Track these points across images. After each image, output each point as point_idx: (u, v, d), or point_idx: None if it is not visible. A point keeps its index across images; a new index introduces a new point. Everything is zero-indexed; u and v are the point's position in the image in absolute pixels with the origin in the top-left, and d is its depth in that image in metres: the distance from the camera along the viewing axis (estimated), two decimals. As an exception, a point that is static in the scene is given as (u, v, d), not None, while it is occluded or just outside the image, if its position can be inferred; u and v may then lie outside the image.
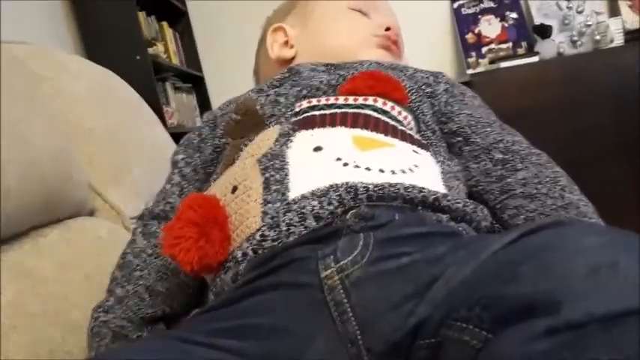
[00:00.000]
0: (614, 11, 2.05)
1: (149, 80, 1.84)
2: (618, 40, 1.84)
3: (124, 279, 0.56)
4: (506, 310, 0.28)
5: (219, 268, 0.45)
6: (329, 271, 0.37)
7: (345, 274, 0.37)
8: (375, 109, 0.53)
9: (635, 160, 1.66)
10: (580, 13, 1.97)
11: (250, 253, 0.43)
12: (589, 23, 1.88)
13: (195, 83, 2.62)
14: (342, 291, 0.36)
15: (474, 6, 2.09)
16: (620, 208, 1.55)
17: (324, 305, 0.36)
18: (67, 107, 0.89)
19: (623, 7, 2.04)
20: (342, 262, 0.37)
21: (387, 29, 0.69)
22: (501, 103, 1.64)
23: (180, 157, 0.64)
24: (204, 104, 2.63)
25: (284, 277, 0.39)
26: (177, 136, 1.09)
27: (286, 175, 0.46)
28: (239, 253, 0.44)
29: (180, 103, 2.43)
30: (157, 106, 1.78)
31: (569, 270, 0.27)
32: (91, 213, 0.87)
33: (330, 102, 0.55)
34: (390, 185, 0.43)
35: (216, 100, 2.62)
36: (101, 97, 1.00)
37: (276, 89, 0.61)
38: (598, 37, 1.83)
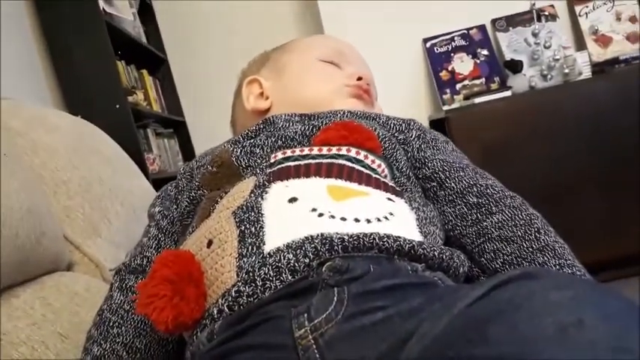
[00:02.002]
0: (580, 45, 2.13)
1: (129, 128, 1.85)
2: (586, 72, 1.90)
3: (101, 337, 0.54)
4: None
5: (196, 326, 0.44)
6: (302, 330, 0.37)
7: (319, 333, 0.36)
8: (349, 159, 0.54)
9: (607, 189, 1.69)
10: (548, 48, 2.04)
11: (226, 309, 0.42)
12: (557, 57, 1.94)
13: (176, 128, 2.63)
14: (316, 351, 0.36)
15: (445, 44, 2.15)
16: (591, 235, 1.58)
17: None
18: (42, 161, 0.88)
19: (589, 41, 2.12)
20: (315, 321, 0.37)
21: (359, 79, 0.71)
22: (477, 136, 1.71)
23: (157, 209, 0.63)
24: (186, 149, 2.63)
25: (257, 338, 0.38)
26: (159, 182, 1.08)
27: (261, 227, 0.46)
28: (215, 310, 0.43)
29: (162, 149, 2.43)
30: (137, 154, 1.77)
31: (536, 331, 0.27)
32: (69, 267, 0.85)
33: (304, 153, 0.55)
34: (365, 235, 0.43)
35: (199, 144, 2.63)
36: (77, 149, 0.99)
37: (252, 140, 0.61)
38: (567, 71, 1.89)
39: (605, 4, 2.13)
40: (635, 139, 1.68)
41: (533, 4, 2.04)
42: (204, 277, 0.45)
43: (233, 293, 0.42)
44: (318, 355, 0.36)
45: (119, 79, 1.87)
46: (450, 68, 2.13)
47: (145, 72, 2.38)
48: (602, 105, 1.74)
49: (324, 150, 0.55)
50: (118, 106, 1.83)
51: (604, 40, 2.13)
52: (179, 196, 0.63)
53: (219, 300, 0.43)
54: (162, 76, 2.59)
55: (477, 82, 2.11)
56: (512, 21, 2.14)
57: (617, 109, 1.72)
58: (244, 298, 0.42)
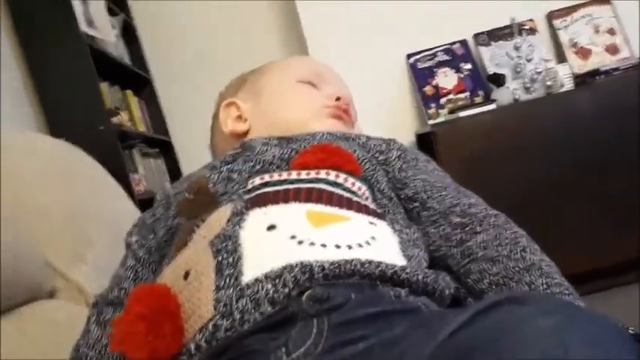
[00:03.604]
0: (561, 58, 2.16)
1: (114, 149, 1.83)
2: (568, 84, 1.92)
3: None
4: None
5: None
6: None
7: None
8: (329, 182, 0.53)
9: (590, 200, 1.69)
10: (529, 61, 2.06)
11: (203, 345, 0.41)
12: (539, 70, 1.96)
13: (162, 148, 2.62)
14: None
15: (428, 60, 2.17)
16: (573, 246, 1.58)
17: None
18: (19, 187, 0.87)
19: (569, 53, 2.15)
20: (294, 355, 0.36)
21: (338, 99, 0.70)
22: (464, 149, 1.71)
23: (134, 239, 0.62)
24: (173, 168, 2.61)
25: None
26: (146, 202, 1.07)
27: (239, 257, 0.44)
28: (192, 346, 0.41)
29: (148, 169, 2.41)
30: (123, 174, 1.76)
31: None
32: (52, 294, 0.83)
33: (282, 177, 0.54)
34: (347, 262, 0.42)
35: (186, 163, 2.61)
36: (57, 172, 0.98)
37: (229, 165, 0.60)
38: (549, 83, 1.91)
39: (583, 17, 2.17)
40: (618, 150, 1.69)
41: (513, 19, 2.07)
42: (182, 311, 0.44)
43: (210, 327, 0.41)
44: None
45: (102, 101, 1.86)
46: (434, 83, 2.14)
47: (129, 92, 2.37)
48: (585, 116, 1.76)
49: (303, 174, 0.54)
50: (102, 128, 1.81)
51: (584, 53, 2.16)
52: (156, 225, 0.61)
53: (197, 335, 0.42)
54: (147, 96, 2.58)
55: (462, 95, 2.12)
56: (493, 35, 2.17)
57: (600, 120, 1.73)
58: (222, 332, 0.40)
